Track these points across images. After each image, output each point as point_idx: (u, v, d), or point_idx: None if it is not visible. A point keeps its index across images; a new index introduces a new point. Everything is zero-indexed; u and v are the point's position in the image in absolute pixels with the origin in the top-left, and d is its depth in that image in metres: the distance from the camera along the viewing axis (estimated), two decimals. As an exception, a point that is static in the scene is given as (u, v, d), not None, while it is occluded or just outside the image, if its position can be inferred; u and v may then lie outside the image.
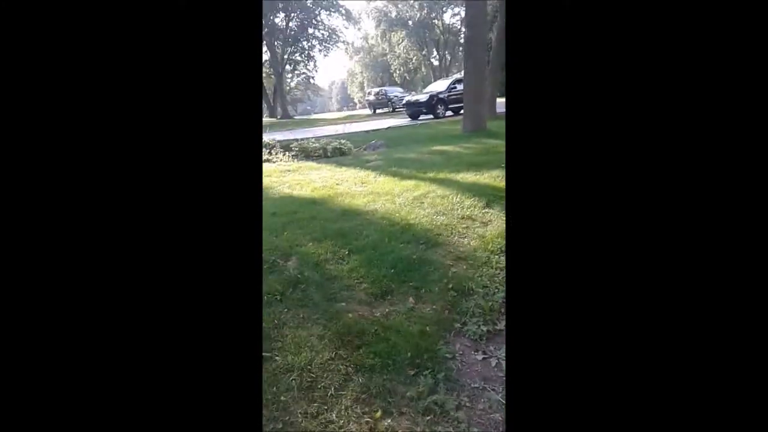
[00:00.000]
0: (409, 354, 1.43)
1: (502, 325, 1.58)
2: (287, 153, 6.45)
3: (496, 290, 1.77)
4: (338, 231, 2.51)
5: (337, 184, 4.05)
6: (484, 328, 1.56)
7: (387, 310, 1.72)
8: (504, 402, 1.24)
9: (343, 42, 25.32)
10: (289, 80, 26.53)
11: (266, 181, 4.64)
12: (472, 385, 1.33)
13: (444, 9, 26.61)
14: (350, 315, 1.68)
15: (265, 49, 22.14)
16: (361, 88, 34.50)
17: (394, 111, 17.98)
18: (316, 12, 22.71)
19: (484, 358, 1.44)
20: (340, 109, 45.32)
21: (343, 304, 1.77)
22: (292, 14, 21.97)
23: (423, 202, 3.02)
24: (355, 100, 39.78)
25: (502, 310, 1.66)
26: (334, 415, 1.20)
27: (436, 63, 30.45)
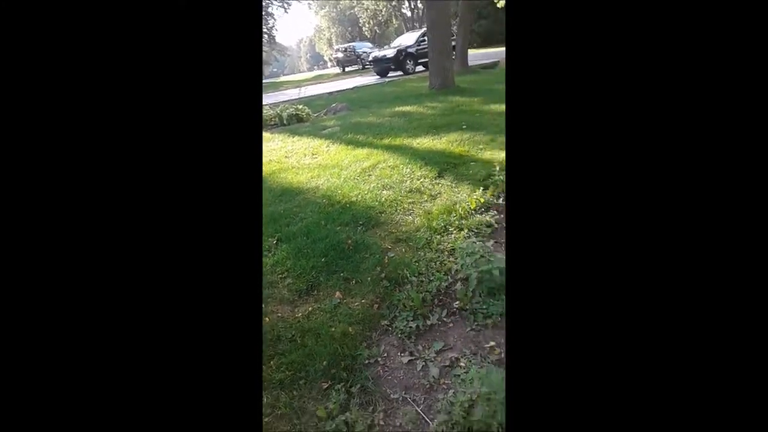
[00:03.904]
0: (325, 363, 1.27)
1: (434, 320, 1.42)
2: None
3: (431, 278, 1.60)
4: (271, 216, 2.29)
5: (285, 157, 3.77)
6: (413, 324, 1.40)
7: (310, 308, 1.55)
8: (423, 416, 1.10)
9: (305, -5, 23.61)
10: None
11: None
12: (392, 396, 1.18)
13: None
14: (267, 318, 1.50)
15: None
16: (330, 45, 32.71)
17: (363, 68, 17.13)
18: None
19: (409, 361, 1.29)
20: (310, 69, 43.25)
21: (262, 305, 1.59)
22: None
23: (371, 175, 2.79)
24: (325, 58, 37.91)
25: (435, 302, 1.50)
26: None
27: (408, 14, 28.76)
